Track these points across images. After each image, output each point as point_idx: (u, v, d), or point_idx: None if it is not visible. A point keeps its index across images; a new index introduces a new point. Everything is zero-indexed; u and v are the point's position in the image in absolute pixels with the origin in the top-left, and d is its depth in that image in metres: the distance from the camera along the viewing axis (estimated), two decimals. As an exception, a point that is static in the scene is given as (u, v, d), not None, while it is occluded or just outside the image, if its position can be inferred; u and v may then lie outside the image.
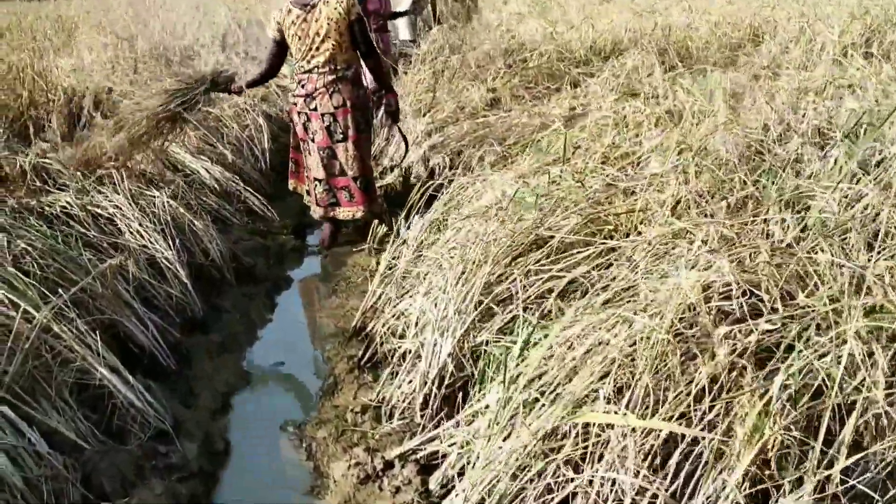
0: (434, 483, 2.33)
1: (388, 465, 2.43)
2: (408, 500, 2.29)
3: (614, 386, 2.01)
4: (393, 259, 3.60)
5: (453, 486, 2.29)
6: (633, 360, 2.05)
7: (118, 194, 4.04)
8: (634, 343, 2.08)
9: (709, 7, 11.29)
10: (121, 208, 3.90)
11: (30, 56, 6.61)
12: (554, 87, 6.49)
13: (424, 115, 6.48)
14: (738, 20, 9.58)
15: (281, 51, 4.53)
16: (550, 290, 2.64)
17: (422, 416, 2.58)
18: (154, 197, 4.17)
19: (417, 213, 4.53)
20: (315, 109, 4.45)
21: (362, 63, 4.56)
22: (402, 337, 3.03)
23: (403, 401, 2.65)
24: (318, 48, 4.31)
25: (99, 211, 3.87)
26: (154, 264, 3.66)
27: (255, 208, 5.12)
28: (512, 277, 2.77)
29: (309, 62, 4.38)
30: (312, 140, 4.53)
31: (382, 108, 4.92)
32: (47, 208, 3.74)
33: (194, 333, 3.52)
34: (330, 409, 2.92)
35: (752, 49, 8.14)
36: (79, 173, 4.23)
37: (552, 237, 2.86)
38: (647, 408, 1.95)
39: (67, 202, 3.82)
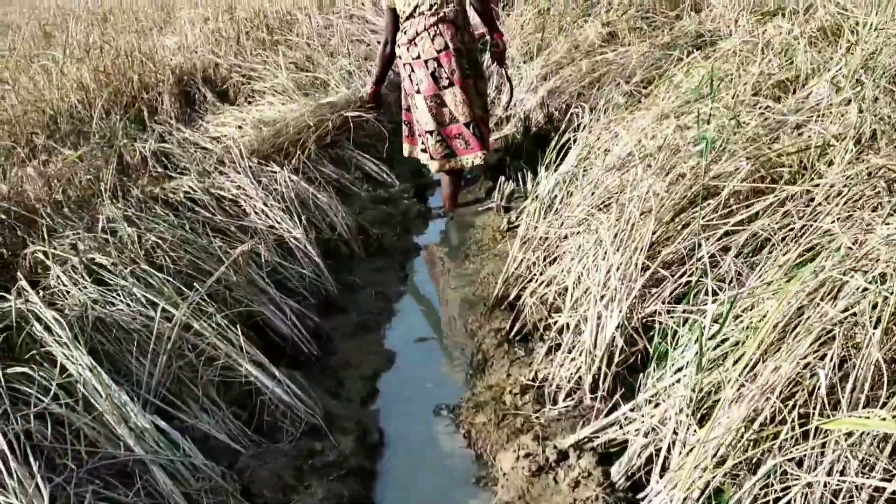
0: (617, 474, 2.10)
1: (563, 455, 2.20)
2: (591, 496, 2.06)
3: (832, 364, 1.71)
4: (528, 220, 3.34)
5: (639, 478, 2.06)
6: (853, 332, 1.75)
7: (239, 174, 3.93)
8: (850, 311, 1.77)
9: None
10: (244, 189, 3.78)
11: (136, 38, 6.61)
12: (673, 13, 6.01)
13: (535, 59, 6.14)
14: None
15: (395, 17, 4.32)
16: (726, 249, 2.34)
17: (592, 399, 2.34)
18: (275, 173, 4.04)
19: (547, 166, 4.26)
20: (418, 57, 4.21)
21: (467, 4, 4.29)
22: (554, 308, 2.79)
23: (568, 381, 2.41)
24: None
25: (223, 193, 3.77)
26: (283, 244, 3.54)
27: (373, 174, 4.96)
28: (679, 237, 2.48)
29: (410, 4, 4.18)
30: (418, 91, 4.29)
31: (489, 51, 4.62)
32: (171, 195, 3.65)
33: (331, 315, 3.38)
34: (484, 390, 2.72)
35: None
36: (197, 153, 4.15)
37: (718, 187, 2.54)
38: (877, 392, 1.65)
39: (191, 187, 3.72)
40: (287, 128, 4.71)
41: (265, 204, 3.67)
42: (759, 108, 3.21)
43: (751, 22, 4.44)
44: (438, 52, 4.15)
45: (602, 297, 2.36)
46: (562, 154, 4.05)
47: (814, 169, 2.57)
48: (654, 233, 2.46)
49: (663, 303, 2.29)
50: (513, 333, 2.98)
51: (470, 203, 4.73)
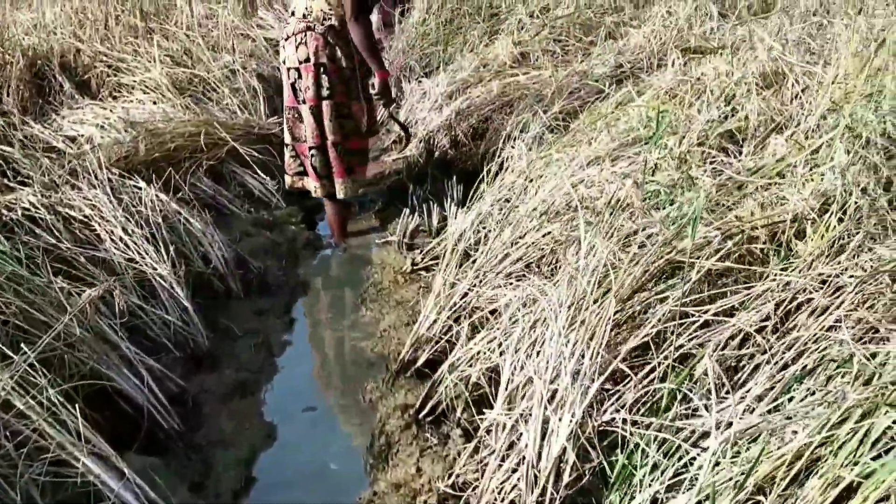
0: None
1: None
2: None
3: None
4: (444, 273, 2.86)
5: None
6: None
7: (95, 188, 3.27)
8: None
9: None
10: (99, 208, 3.13)
11: (-19, 10, 5.74)
12: (587, 39, 5.69)
13: (438, 74, 5.68)
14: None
15: None
16: (701, 343, 1.94)
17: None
18: (140, 189, 3.39)
19: (456, 201, 3.80)
20: (284, 62, 3.74)
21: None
22: (480, 393, 2.32)
23: (502, 500, 1.93)
24: None
25: (73, 213, 3.10)
26: (144, 282, 2.92)
27: (257, 192, 4.35)
28: (640, 322, 2.06)
29: (292, 3, 3.79)
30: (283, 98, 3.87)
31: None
32: (4, 213, 2.96)
33: (201, 372, 2.80)
34: (389, 490, 2.21)
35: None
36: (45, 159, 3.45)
37: (683, 261, 2.14)
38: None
39: (31, 203, 3.04)
40: (160, 135, 4.06)
41: (125, 230, 3.04)
42: (710, 161, 2.86)
43: (679, 59, 4.13)
44: (300, 62, 3.64)
45: (550, 396, 1.90)
46: (474, 187, 3.63)
47: (789, 247, 2.21)
48: (614, 315, 2.03)
49: (627, 410, 1.85)
50: (424, 412, 2.49)
51: (365, 232, 4.20)
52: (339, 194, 3.87)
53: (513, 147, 4.12)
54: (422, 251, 3.61)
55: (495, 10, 6.72)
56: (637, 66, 4.78)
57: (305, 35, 3.59)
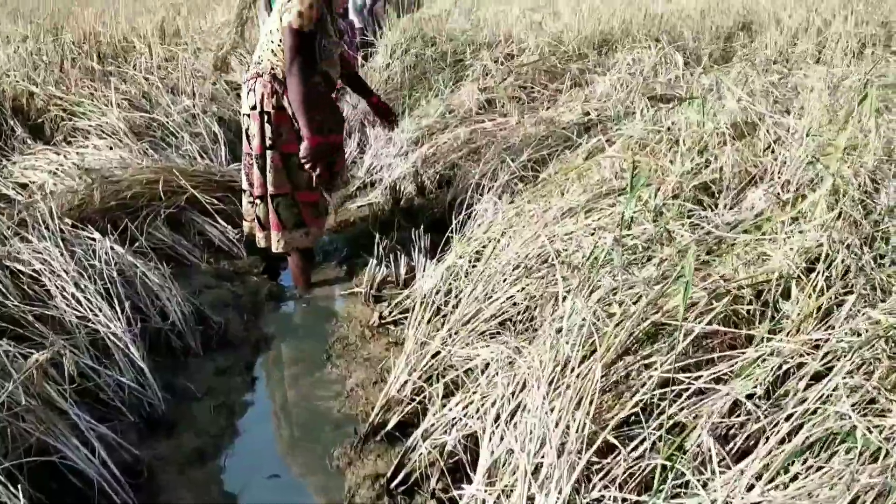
0: None
1: None
2: None
3: None
4: (415, 331, 2.75)
5: None
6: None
7: (46, 240, 3.11)
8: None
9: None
10: (49, 262, 2.97)
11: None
12: (553, 86, 5.68)
13: (403, 120, 5.62)
14: (725, 7, 8.93)
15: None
16: (694, 416, 1.84)
17: None
18: (94, 241, 3.24)
19: (424, 251, 3.70)
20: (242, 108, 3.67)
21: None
22: (455, 461, 2.20)
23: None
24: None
25: (21, 267, 2.94)
26: (97, 342, 2.76)
27: (217, 241, 4.20)
28: (625, 388, 1.97)
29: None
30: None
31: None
32: (-52, 268, 2.79)
33: (157, 437, 2.62)
34: (360, 570, 2.08)
35: (746, 39, 7.49)
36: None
37: (670, 324, 2.05)
38: None
39: (-24, 257, 2.88)
40: (116, 182, 3.91)
41: (77, 286, 2.88)
42: (687, 214, 2.80)
43: (647, 107, 4.11)
44: (250, 109, 3.54)
45: (534, 470, 1.79)
46: (444, 238, 3.54)
47: (776, 307, 2.14)
48: (597, 382, 1.93)
49: (617, 486, 1.74)
50: (396, 481, 2.35)
51: (329, 283, 4.07)
52: (273, 248, 3.73)
53: (481, 196, 4.05)
54: (389, 304, 3.49)
55: (460, 56, 6.70)
56: (604, 115, 4.76)
57: (255, 82, 3.50)
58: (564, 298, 2.39)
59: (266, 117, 3.49)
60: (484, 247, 3.26)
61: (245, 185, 3.76)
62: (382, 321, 3.41)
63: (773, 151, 3.22)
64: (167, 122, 5.12)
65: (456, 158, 4.80)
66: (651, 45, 6.41)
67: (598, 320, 2.11)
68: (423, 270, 3.49)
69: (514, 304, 2.72)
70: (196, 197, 4.14)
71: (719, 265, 2.42)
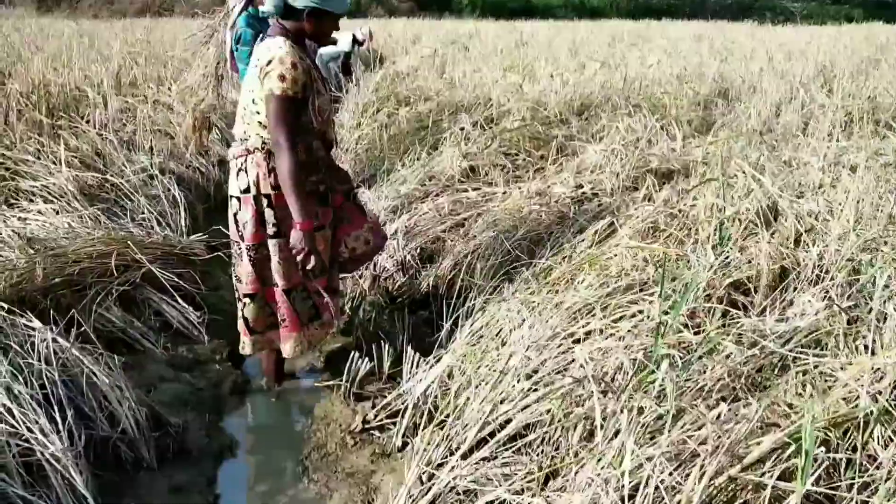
0: None
1: None
2: None
3: None
4: (420, 459, 2.34)
5: None
6: None
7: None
8: None
9: (664, 56, 10.57)
10: (-23, 361, 2.50)
11: None
12: (538, 153, 5.37)
13: (379, 186, 5.26)
14: (700, 73, 8.82)
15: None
16: None
17: None
18: (33, 331, 2.78)
19: (409, 337, 3.31)
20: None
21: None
22: None
23: None
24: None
25: (-60, 368, 2.46)
26: (31, 464, 2.29)
27: (176, 323, 3.74)
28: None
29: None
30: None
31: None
32: None
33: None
34: None
35: (724, 107, 7.31)
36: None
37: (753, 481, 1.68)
38: None
39: None
40: (62, 255, 3.46)
41: (10, 392, 2.41)
42: (725, 319, 2.46)
43: (655, 185, 3.80)
44: (241, 191, 3.00)
45: None
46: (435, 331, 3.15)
47: (865, 450, 1.78)
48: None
49: None
50: None
51: (302, 373, 3.63)
52: (287, 353, 3.22)
53: (471, 277, 3.69)
54: (374, 404, 3.07)
55: (436, 118, 6.39)
56: (599, 188, 4.45)
57: (245, 160, 2.97)
58: (601, 426, 2.01)
59: (266, 201, 2.95)
60: (482, 343, 2.88)
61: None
62: (366, 426, 2.99)
63: (805, 245, 2.92)
64: (121, 184, 4.66)
65: (440, 231, 4.43)
66: (632, 112, 6.19)
67: (656, 467, 1.73)
68: (411, 364, 3.09)
69: (527, 423, 2.33)
70: (153, 272, 3.68)
71: (776, 389, 2.08)
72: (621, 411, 1.96)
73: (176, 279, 3.75)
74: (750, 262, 2.79)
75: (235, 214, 3.04)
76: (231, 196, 3.05)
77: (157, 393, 3.09)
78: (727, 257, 2.83)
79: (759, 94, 7.34)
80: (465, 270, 3.77)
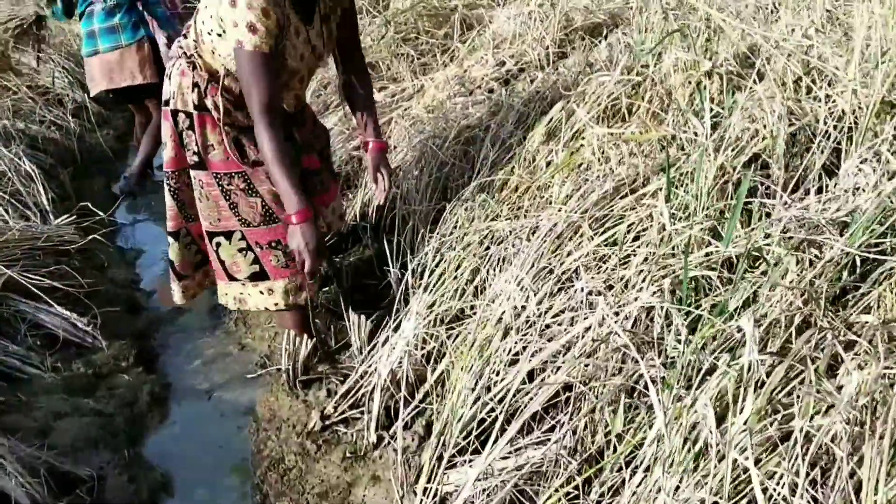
0: None
1: None
2: None
3: None
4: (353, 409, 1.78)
5: None
6: None
7: None
8: None
9: None
10: None
11: None
12: (441, 33, 4.64)
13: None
14: None
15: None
16: None
17: None
18: None
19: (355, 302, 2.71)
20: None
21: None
22: None
23: None
24: None
25: None
26: None
27: (62, 332, 3.00)
28: None
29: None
30: None
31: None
32: None
33: None
34: None
35: None
36: None
37: None
38: None
39: None
40: None
41: None
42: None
43: (591, 44, 3.16)
44: (164, 102, 2.38)
45: None
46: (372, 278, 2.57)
47: None
48: None
49: None
50: None
51: (225, 357, 3.00)
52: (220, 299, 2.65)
53: (406, 204, 3.07)
54: (328, 392, 2.49)
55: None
56: (524, 61, 3.80)
57: (174, 65, 2.32)
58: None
59: (187, 120, 2.31)
60: (449, 289, 2.30)
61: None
62: (326, 423, 2.40)
63: (811, 92, 2.36)
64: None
65: (352, 150, 3.75)
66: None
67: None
68: (360, 330, 2.50)
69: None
70: (14, 279, 2.93)
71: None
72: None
73: (48, 280, 3.00)
74: (756, 128, 2.23)
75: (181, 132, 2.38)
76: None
77: (55, 436, 2.42)
78: (724, 130, 2.26)
79: None
80: (396, 195, 3.14)
